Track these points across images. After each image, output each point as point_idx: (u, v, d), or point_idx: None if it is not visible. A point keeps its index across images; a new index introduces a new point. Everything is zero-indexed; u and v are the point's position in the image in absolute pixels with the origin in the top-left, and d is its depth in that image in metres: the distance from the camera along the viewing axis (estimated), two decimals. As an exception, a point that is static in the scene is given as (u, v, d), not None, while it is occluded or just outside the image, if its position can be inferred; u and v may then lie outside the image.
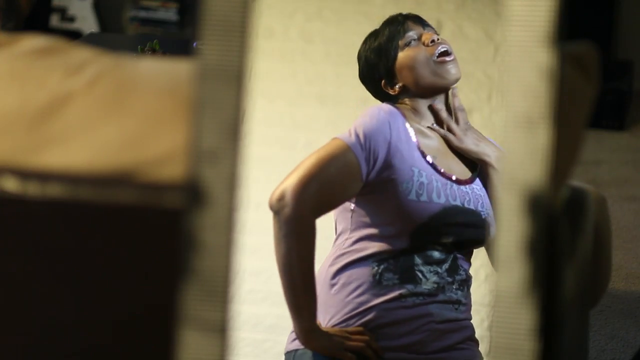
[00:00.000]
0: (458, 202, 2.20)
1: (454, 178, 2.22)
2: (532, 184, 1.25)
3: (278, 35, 3.63)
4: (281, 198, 2.17)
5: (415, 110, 2.27)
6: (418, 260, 2.18)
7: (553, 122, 1.25)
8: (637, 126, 5.36)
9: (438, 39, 2.24)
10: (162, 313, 1.26)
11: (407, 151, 2.18)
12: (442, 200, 2.18)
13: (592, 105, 1.47)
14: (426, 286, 2.18)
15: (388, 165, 2.16)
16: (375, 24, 3.06)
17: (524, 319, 1.24)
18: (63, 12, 5.61)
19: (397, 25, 2.29)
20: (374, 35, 2.34)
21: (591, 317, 2.34)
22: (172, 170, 1.27)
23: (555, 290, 1.35)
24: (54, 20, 5.58)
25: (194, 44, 1.30)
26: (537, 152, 1.25)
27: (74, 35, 5.29)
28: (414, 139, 2.20)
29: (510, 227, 1.25)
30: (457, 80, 2.25)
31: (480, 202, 2.23)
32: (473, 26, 3.38)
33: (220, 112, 1.23)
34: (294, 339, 2.21)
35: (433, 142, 2.25)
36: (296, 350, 2.21)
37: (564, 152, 1.33)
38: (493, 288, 1.26)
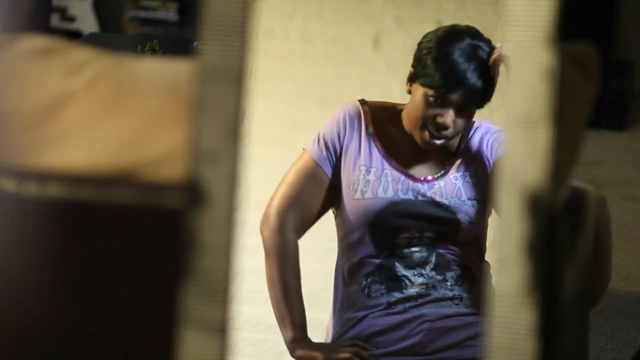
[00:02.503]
0: (410, 196, 2.20)
1: (409, 173, 2.22)
2: (532, 184, 1.25)
3: (278, 36, 3.63)
4: (263, 221, 2.30)
5: (395, 117, 2.27)
6: (399, 266, 2.20)
7: (553, 122, 1.25)
8: (637, 126, 5.36)
9: (447, 128, 2.16)
10: (162, 313, 1.26)
11: (357, 149, 2.23)
12: (389, 194, 2.20)
13: (592, 105, 1.47)
14: (413, 290, 2.19)
15: (340, 162, 2.23)
16: (375, 24, 3.05)
17: (524, 319, 1.24)
18: (63, 12, 5.61)
19: (448, 83, 2.14)
20: (439, 54, 2.17)
21: (591, 317, 2.33)
22: (172, 170, 1.27)
23: (555, 290, 1.35)
24: (54, 20, 5.58)
25: (194, 44, 1.30)
26: (537, 152, 1.25)
27: (74, 35, 5.29)
28: (369, 133, 2.24)
29: (510, 227, 1.25)
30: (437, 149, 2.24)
31: (440, 193, 2.20)
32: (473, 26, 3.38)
33: (220, 112, 1.23)
34: None
35: (398, 140, 2.25)
36: None
37: (564, 152, 1.33)
38: (493, 288, 1.26)
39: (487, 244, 2.29)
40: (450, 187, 2.22)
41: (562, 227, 1.38)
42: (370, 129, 2.26)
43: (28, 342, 1.30)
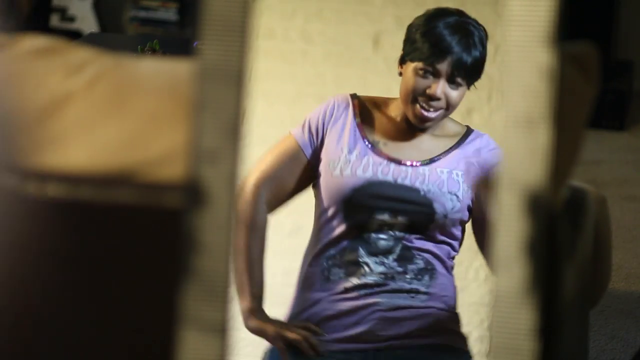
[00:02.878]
0: (389, 178, 2.22)
1: (391, 157, 2.24)
2: (532, 184, 1.25)
3: (278, 36, 3.63)
4: (239, 192, 2.31)
5: (387, 103, 2.32)
6: (362, 251, 2.22)
7: (553, 122, 1.25)
8: (637, 126, 5.36)
9: (439, 99, 2.20)
10: (162, 313, 1.26)
11: (341, 133, 2.27)
12: (368, 174, 2.22)
13: (592, 105, 1.47)
14: (371, 277, 2.20)
15: (323, 144, 2.28)
16: (376, 24, 3.06)
17: (524, 319, 1.24)
18: (63, 12, 5.61)
19: (437, 52, 2.20)
20: (427, 27, 2.25)
21: (591, 317, 2.33)
22: (172, 170, 1.27)
23: (555, 290, 1.35)
24: (54, 20, 5.58)
25: (194, 44, 1.30)
26: (537, 152, 1.25)
27: (74, 35, 5.29)
28: (356, 123, 2.27)
29: (510, 227, 1.25)
30: (427, 126, 2.26)
31: (421, 179, 2.21)
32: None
33: (220, 112, 1.23)
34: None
35: (386, 129, 2.29)
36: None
37: (564, 152, 1.33)
38: (493, 288, 1.26)
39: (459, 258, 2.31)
40: (434, 176, 2.23)
41: (562, 227, 1.38)
42: (357, 119, 2.29)
43: (27, 342, 1.30)
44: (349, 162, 2.24)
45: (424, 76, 2.21)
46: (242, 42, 1.23)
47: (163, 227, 1.27)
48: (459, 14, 2.27)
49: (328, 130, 2.29)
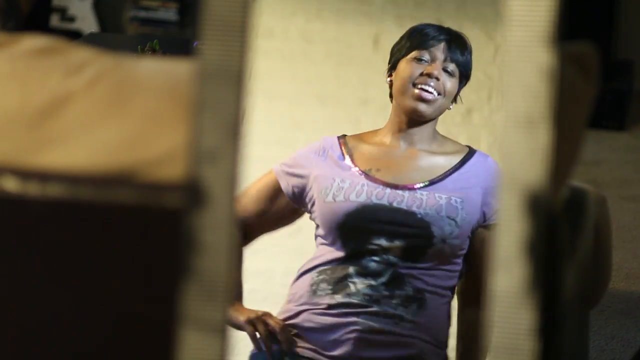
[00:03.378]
0: (384, 202, 2.19)
1: (386, 182, 2.22)
2: (532, 184, 1.25)
3: (278, 36, 3.63)
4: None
5: (375, 135, 2.34)
6: (352, 270, 2.18)
7: (553, 122, 1.25)
8: (637, 126, 5.36)
9: (437, 78, 2.24)
10: (162, 313, 1.26)
11: (332, 165, 2.28)
12: (362, 199, 2.20)
13: (592, 105, 1.47)
14: (356, 297, 2.16)
15: (312, 178, 2.27)
16: (376, 24, 3.06)
17: (524, 319, 1.24)
18: (63, 12, 5.61)
19: (428, 39, 2.29)
20: (412, 30, 2.34)
21: (591, 317, 2.33)
22: (172, 170, 1.27)
23: (555, 290, 1.35)
24: (54, 20, 5.58)
25: (194, 44, 1.30)
26: (537, 152, 1.25)
27: (74, 35, 5.29)
28: (344, 155, 2.28)
29: (510, 227, 1.25)
30: (421, 117, 2.26)
31: (418, 204, 2.18)
32: (473, 26, 3.37)
33: (220, 112, 1.23)
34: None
35: (376, 157, 2.28)
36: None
37: (564, 152, 1.33)
38: (493, 288, 1.26)
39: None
40: (431, 201, 2.19)
41: (562, 227, 1.38)
42: (346, 153, 2.30)
43: (27, 342, 1.30)
44: (341, 189, 2.22)
45: (419, 63, 2.26)
46: (242, 42, 1.23)
47: (163, 227, 1.27)
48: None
49: (317, 163, 2.29)
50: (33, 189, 1.27)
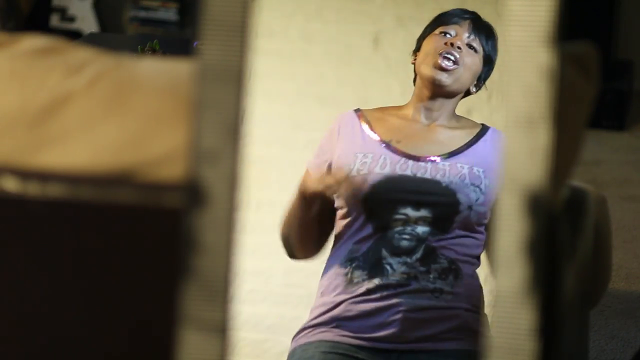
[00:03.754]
0: (409, 173, 2.20)
1: (408, 153, 2.24)
2: (532, 184, 1.25)
3: (278, 35, 3.63)
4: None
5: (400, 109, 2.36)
6: (385, 252, 2.18)
7: (553, 122, 1.25)
8: (637, 126, 5.36)
9: (459, 48, 2.27)
10: (162, 313, 1.26)
11: (352, 142, 2.28)
12: (387, 170, 2.21)
13: (592, 105, 1.47)
14: (394, 277, 2.16)
15: (335, 160, 2.28)
16: (376, 24, 3.05)
17: (524, 319, 1.24)
18: (63, 12, 5.61)
19: (454, 17, 2.32)
20: (438, 14, 2.37)
21: (591, 317, 2.33)
22: (172, 170, 1.27)
23: (555, 290, 1.35)
24: (54, 20, 5.58)
25: (194, 44, 1.30)
26: (537, 152, 1.25)
27: (74, 35, 5.29)
28: (365, 129, 2.29)
29: (510, 227, 1.25)
30: (443, 87, 2.27)
31: (442, 173, 2.20)
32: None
33: (220, 112, 1.23)
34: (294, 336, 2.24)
35: (397, 127, 2.30)
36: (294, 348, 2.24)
37: (564, 152, 1.33)
38: (493, 288, 1.26)
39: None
40: (454, 170, 2.21)
41: (562, 227, 1.38)
42: (365, 125, 2.30)
43: (27, 342, 1.30)
44: (365, 163, 2.23)
45: (444, 37, 2.28)
46: (242, 42, 1.23)
47: (163, 227, 1.27)
48: None
49: (337, 143, 2.30)
50: (33, 189, 1.27)
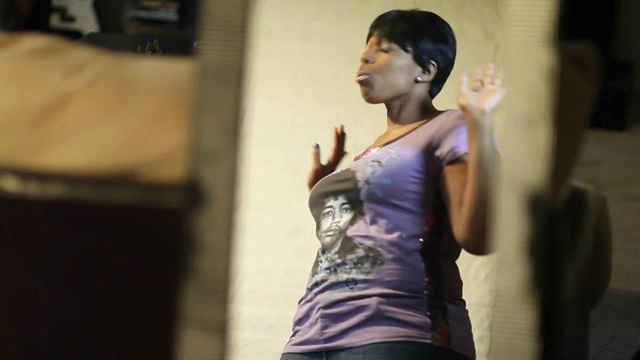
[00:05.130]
0: (338, 170, 2.36)
1: (359, 156, 2.37)
2: (532, 184, 1.25)
3: (278, 35, 3.63)
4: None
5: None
6: (320, 251, 2.26)
7: (553, 122, 1.25)
8: (637, 126, 5.36)
9: (366, 60, 2.36)
10: (162, 313, 1.26)
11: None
12: (332, 174, 2.36)
13: (592, 105, 1.47)
14: (320, 275, 2.22)
15: None
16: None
17: (524, 319, 1.24)
18: (63, 12, 5.61)
19: (370, 30, 2.41)
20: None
21: (591, 317, 2.33)
22: (172, 170, 1.27)
23: (555, 290, 1.35)
24: (54, 20, 5.58)
25: (194, 44, 1.30)
26: (537, 152, 1.25)
27: (74, 35, 5.29)
28: (371, 141, 2.41)
29: (510, 227, 1.25)
30: (370, 98, 2.36)
31: (357, 162, 2.30)
32: (473, 26, 3.37)
33: (220, 112, 1.23)
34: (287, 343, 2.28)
35: (386, 132, 2.39)
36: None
37: (564, 152, 1.33)
38: (493, 288, 1.26)
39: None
40: (368, 155, 2.30)
41: (562, 227, 1.38)
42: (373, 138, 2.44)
43: (26, 342, 1.30)
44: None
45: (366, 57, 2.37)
46: (242, 42, 1.23)
47: (163, 227, 1.27)
48: (430, 14, 2.42)
49: None
50: (33, 189, 1.27)
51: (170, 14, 5.56)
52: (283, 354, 2.27)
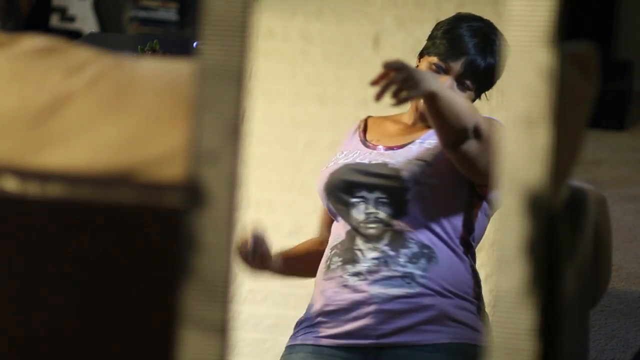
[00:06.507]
0: (365, 160, 2.26)
1: (378, 145, 2.29)
2: (532, 184, 1.25)
3: (278, 36, 3.63)
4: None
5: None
6: (359, 240, 2.21)
7: (553, 122, 1.25)
8: (637, 126, 5.36)
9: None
10: (162, 313, 1.26)
11: (344, 143, 2.35)
12: (348, 161, 2.27)
13: (592, 105, 1.47)
14: (364, 264, 2.18)
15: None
16: (376, 24, 3.05)
17: (524, 319, 1.24)
18: (63, 12, 5.61)
19: (452, 50, 2.25)
20: (448, 28, 2.30)
21: (591, 317, 2.33)
22: (172, 170, 1.27)
23: (555, 290, 1.35)
24: (54, 20, 5.58)
25: (194, 44, 1.30)
26: (537, 152, 1.25)
27: (74, 35, 5.29)
28: (358, 132, 2.35)
29: (510, 227, 1.25)
30: (423, 119, 2.31)
31: (391, 156, 2.25)
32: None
33: (220, 112, 1.23)
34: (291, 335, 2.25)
35: (387, 130, 2.34)
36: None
37: (564, 152, 1.33)
38: (493, 288, 1.26)
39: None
40: (404, 151, 2.25)
41: (562, 227, 1.38)
42: (360, 130, 2.36)
43: (26, 341, 1.30)
44: (338, 158, 2.30)
45: (436, 71, 2.24)
46: (242, 42, 1.23)
47: (163, 227, 1.27)
48: (486, 22, 2.31)
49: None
50: (33, 189, 1.27)
51: (170, 14, 5.56)
52: (298, 345, 2.22)
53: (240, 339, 3.26)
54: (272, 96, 3.58)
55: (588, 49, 1.45)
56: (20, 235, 1.28)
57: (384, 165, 2.23)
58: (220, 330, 1.23)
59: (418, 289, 2.15)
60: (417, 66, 2.30)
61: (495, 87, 2.33)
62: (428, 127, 2.28)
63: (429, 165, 2.20)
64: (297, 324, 2.28)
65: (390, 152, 2.26)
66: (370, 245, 2.19)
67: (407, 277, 2.15)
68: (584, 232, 1.53)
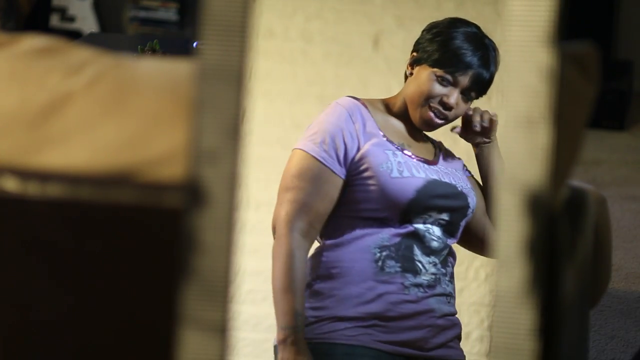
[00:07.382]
0: (435, 176, 2.23)
1: (417, 156, 2.26)
2: (532, 184, 1.25)
3: (278, 36, 3.63)
4: (273, 230, 2.25)
5: (393, 104, 2.31)
6: (417, 250, 2.19)
7: (553, 122, 1.25)
8: (637, 126, 5.36)
9: (451, 108, 2.24)
10: (162, 313, 1.26)
11: (376, 137, 2.23)
12: (422, 174, 2.21)
13: (592, 105, 1.47)
14: (425, 277, 2.19)
15: (362, 153, 2.20)
16: (375, 24, 3.05)
17: (524, 319, 1.24)
18: (63, 12, 5.61)
19: (458, 64, 2.24)
20: (447, 39, 2.27)
21: (591, 317, 2.33)
22: (172, 170, 1.27)
23: (555, 290, 1.35)
24: (54, 20, 5.58)
25: (194, 44, 1.30)
26: (537, 152, 1.25)
27: (74, 35, 5.29)
28: (377, 126, 2.25)
29: (510, 227, 1.25)
30: (430, 129, 2.31)
31: (451, 176, 2.26)
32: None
33: (220, 112, 1.23)
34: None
35: (399, 130, 2.29)
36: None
37: (564, 152, 1.33)
38: (493, 288, 1.26)
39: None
40: (455, 175, 2.28)
41: (562, 227, 1.38)
42: (376, 123, 2.26)
43: (26, 341, 1.30)
44: (401, 163, 2.21)
45: (441, 84, 2.23)
46: (242, 42, 1.23)
47: (163, 227, 1.27)
48: (475, 25, 2.30)
49: (363, 137, 2.23)
50: (33, 189, 1.27)
51: (170, 14, 5.56)
52: (359, 347, 2.17)
53: (240, 339, 3.26)
54: (272, 96, 3.58)
55: (588, 49, 1.45)
56: (20, 235, 1.28)
57: (454, 187, 2.25)
58: (220, 330, 1.23)
59: (453, 309, 2.23)
60: (412, 74, 2.27)
61: (495, 87, 2.34)
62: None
63: (472, 190, 2.29)
64: (330, 317, 2.19)
65: (437, 168, 2.26)
66: (429, 259, 2.20)
67: (449, 296, 2.23)
68: (584, 232, 1.53)
